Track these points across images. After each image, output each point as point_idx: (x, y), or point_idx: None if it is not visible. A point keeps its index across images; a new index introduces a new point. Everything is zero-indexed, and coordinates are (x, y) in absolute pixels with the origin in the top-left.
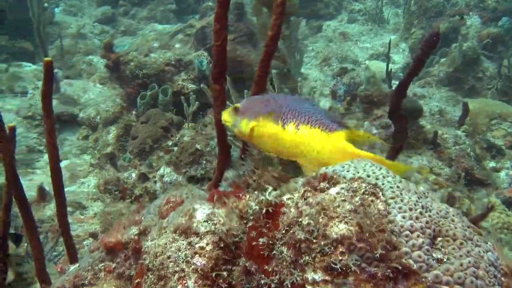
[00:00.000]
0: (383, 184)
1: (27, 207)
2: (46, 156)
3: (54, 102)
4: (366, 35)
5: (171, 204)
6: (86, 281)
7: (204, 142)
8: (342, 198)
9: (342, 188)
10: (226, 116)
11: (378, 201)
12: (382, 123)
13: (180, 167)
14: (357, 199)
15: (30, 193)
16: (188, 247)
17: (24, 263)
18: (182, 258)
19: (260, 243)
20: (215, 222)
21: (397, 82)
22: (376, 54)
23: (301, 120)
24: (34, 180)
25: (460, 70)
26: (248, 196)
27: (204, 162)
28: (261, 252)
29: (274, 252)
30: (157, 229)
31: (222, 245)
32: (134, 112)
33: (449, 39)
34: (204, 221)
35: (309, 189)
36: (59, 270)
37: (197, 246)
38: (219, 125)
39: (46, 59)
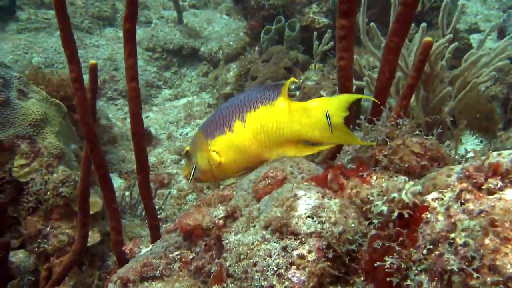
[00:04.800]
0: None
1: (106, 175)
2: (164, 92)
3: (176, 33)
4: None
5: (269, 181)
6: (158, 272)
7: (331, 89)
8: None
9: None
10: (184, 171)
11: None
12: None
13: None
14: None
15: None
16: (283, 254)
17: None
18: (273, 269)
19: (387, 264)
20: (324, 219)
21: None
22: None
23: (242, 112)
24: (150, 117)
25: None
26: (375, 178)
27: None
28: (388, 279)
29: (408, 282)
30: (245, 219)
31: (330, 255)
32: (257, 48)
33: None
34: (308, 216)
35: (470, 187)
36: (128, 251)
37: (294, 253)
38: (341, 74)
39: None
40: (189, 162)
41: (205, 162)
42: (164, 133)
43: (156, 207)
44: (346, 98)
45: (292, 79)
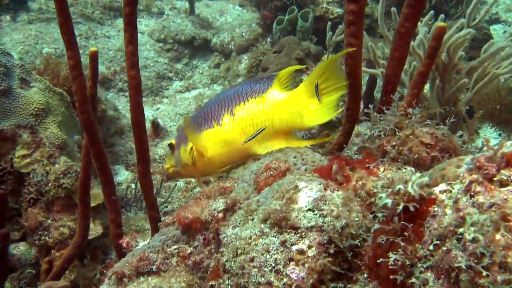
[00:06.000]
0: None
1: (105, 166)
2: (175, 84)
3: (188, 24)
4: None
5: (271, 172)
6: (154, 267)
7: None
8: None
9: None
10: (166, 164)
11: None
12: None
13: None
14: None
15: (148, 125)
16: (281, 249)
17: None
18: (271, 264)
19: (391, 260)
20: (325, 212)
21: None
22: None
23: (232, 105)
24: (161, 109)
25: None
26: (382, 170)
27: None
28: (392, 276)
29: (413, 280)
30: (243, 212)
31: (332, 251)
32: (269, 39)
33: None
34: (309, 209)
35: (480, 179)
36: (125, 245)
37: (294, 248)
38: (349, 62)
39: None
40: (172, 154)
41: (187, 156)
42: (174, 125)
43: (163, 200)
44: (321, 66)
45: (290, 68)
